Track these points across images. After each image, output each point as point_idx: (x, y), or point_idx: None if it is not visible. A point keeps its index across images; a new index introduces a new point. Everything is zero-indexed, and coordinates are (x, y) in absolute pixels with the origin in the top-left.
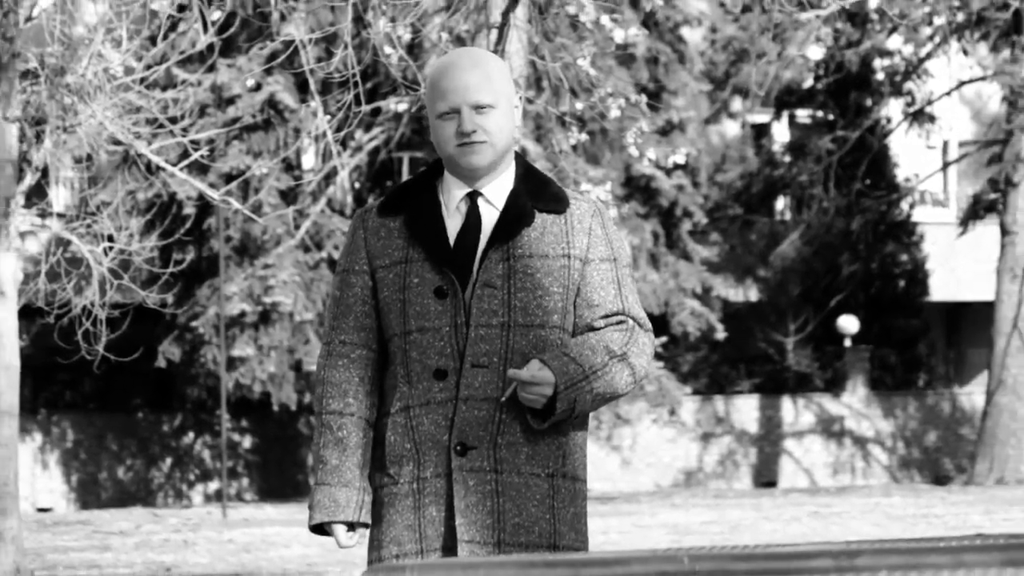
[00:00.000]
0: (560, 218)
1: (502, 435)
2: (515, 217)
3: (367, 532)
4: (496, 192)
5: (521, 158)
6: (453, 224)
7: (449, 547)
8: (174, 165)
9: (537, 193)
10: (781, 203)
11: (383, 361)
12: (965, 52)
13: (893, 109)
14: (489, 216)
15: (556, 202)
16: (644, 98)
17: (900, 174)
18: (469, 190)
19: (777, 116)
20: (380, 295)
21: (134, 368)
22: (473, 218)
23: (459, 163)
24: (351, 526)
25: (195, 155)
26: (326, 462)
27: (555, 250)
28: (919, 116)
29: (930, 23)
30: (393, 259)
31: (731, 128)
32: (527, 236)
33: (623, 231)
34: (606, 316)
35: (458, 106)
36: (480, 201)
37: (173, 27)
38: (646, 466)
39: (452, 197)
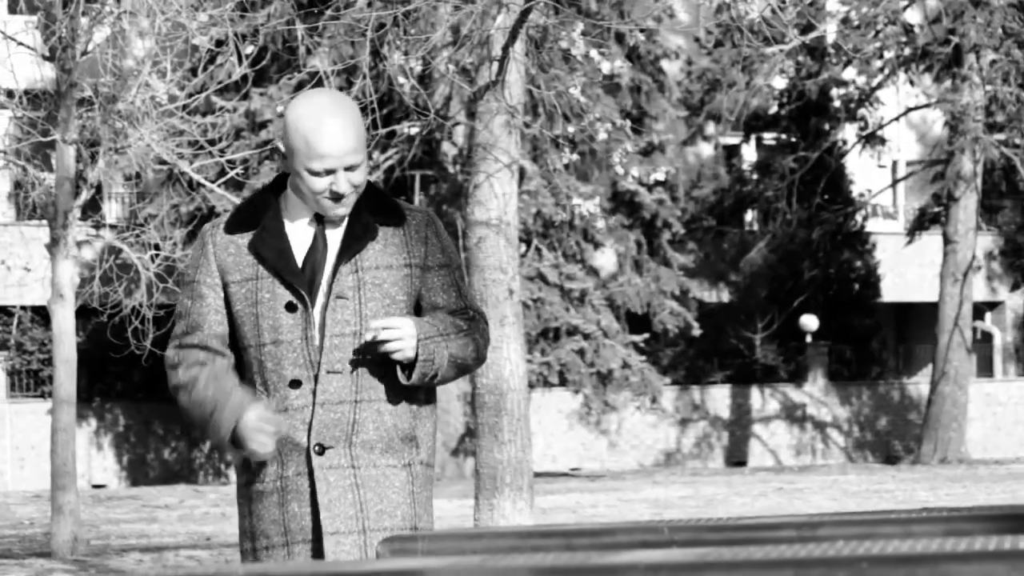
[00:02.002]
0: (399, 230)
1: (356, 434)
2: (360, 232)
3: (273, 418)
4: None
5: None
6: (301, 241)
7: (312, 539)
8: (213, 182)
9: (376, 208)
10: (750, 215)
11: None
12: (911, 82)
13: (848, 132)
14: (334, 233)
15: (394, 216)
16: (628, 123)
17: (854, 190)
18: (313, 214)
19: (746, 139)
20: (233, 308)
21: None
22: (321, 236)
23: (326, 214)
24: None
25: (231, 173)
26: (204, 400)
27: (398, 260)
28: (871, 139)
29: (881, 56)
30: (244, 275)
31: (705, 149)
32: (372, 249)
33: (609, 240)
34: (451, 312)
35: (334, 168)
36: (326, 222)
37: (212, 60)
38: (631, 448)
39: (297, 217)
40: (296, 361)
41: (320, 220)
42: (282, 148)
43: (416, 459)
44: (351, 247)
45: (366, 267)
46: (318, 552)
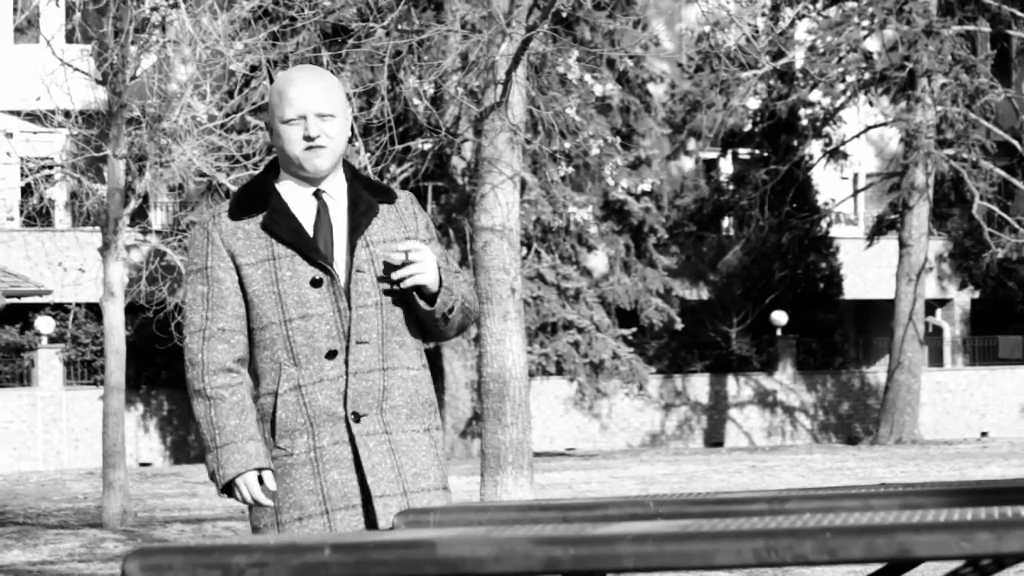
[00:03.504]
0: (392, 207)
1: (386, 401)
2: (365, 209)
3: (273, 484)
4: (335, 189)
5: (345, 161)
6: (305, 219)
7: (354, 505)
8: None
9: (369, 188)
10: (726, 222)
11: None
12: (871, 103)
13: (814, 148)
14: (335, 209)
15: (386, 193)
16: (618, 139)
17: (820, 199)
18: (313, 189)
19: (723, 153)
20: (249, 289)
21: None
22: (324, 213)
23: (304, 165)
24: (259, 480)
25: None
26: (223, 426)
27: (398, 234)
28: (834, 153)
29: (843, 80)
30: (259, 257)
31: (687, 163)
32: (376, 224)
33: (601, 244)
34: None
35: (304, 113)
36: (325, 197)
37: (247, 83)
38: (620, 430)
39: (297, 196)
40: (330, 333)
41: (319, 197)
42: (267, 123)
43: (433, 424)
44: (360, 223)
45: (374, 241)
46: (363, 517)
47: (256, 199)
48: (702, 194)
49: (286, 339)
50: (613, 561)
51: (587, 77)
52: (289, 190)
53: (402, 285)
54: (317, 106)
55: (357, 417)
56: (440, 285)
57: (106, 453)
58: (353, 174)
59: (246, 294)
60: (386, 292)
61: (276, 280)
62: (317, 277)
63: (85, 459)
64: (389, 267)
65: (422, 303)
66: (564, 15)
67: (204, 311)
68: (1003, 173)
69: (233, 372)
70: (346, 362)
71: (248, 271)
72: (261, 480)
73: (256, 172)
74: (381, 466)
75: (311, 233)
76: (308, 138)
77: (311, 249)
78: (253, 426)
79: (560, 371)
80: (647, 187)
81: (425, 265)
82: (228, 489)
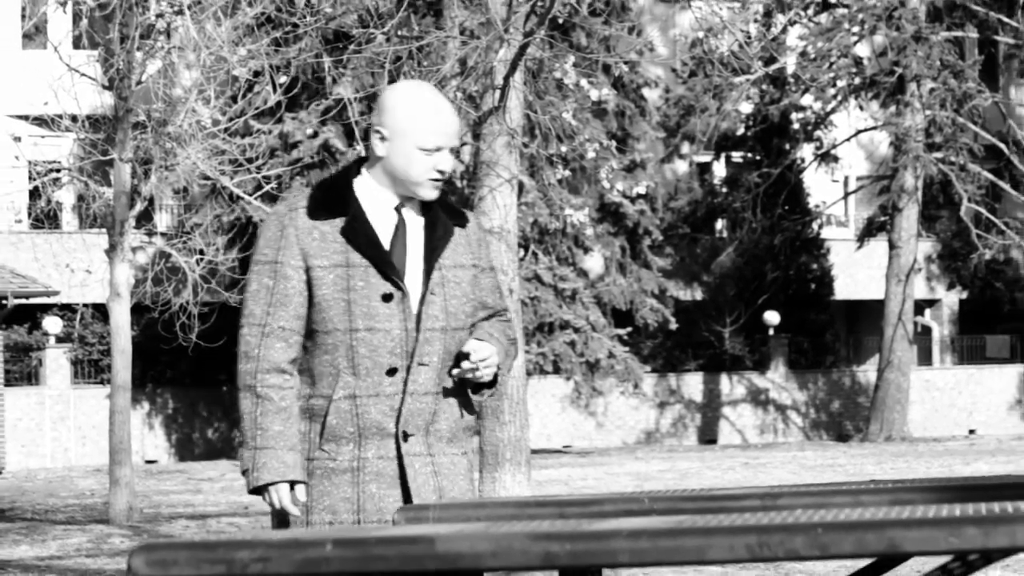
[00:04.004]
0: (463, 231)
1: (433, 424)
2: (442, 232)
3: (304, 496)
4: (416, 206)
5: None
6: (383, 232)
7: (386, 520)
8: (250, 195)
9: (445, 208)
10: (720, 224)
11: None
12: (861, 107)
13: (806, 151)
14: (412, 227)
15: (460, 217)
16: (613, 143)
17: (811, 202)
18: (397, 202)
19: (716, 157)
20: (316, 292)
21: (220, 352)
22: (403, 229)
23: (422, 192)
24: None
25: (267, 187)
26: (267, 428)
27: (466, 260)
28: (826, 157)
29: (834, 85)
30: (333, 261)
31: (681, 166)
32: (450, 248)
33: (596, 245)
34: (494, 313)
35: (444, 146)
36: (405, 213)
37: (250, 88)
38: (615, 427)
39: (378, 205)
40: (394, 350)
41: (399, 211)
42: (385, 132)
43: (470, 447)
44: (437, 246)
45: (447, 265)
46: None
47: (336, 201)
48: (696, 196)
49: (349, 348)
50: (608, 556)
51: (583, 82)
52: (370, 196)
53: (459, 375)
54: (455, 141)
55: (406, 436)
56: (496, 382)
57: (112, 450)
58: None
59: (313, 296)
60: (446, 353)
61: (347, 288)
62: (389, 292)
63: (92, 456)
64: (459, 355)
65: (471, 393)
66: (561, 21)
67: (267, 305)
68: (990, 176)
69: (286, 373)
70: (405, 381)
71: (319, 273)
72: (292, 489)
73: (332, 173)
74: (425, 487)
75: (387, 247)
76: (440, 172)
77: (387, 264)
78: (295, 436)
79: (557, 370)
80: (642, 190)
81: (488, 363)
82: (258, 490)
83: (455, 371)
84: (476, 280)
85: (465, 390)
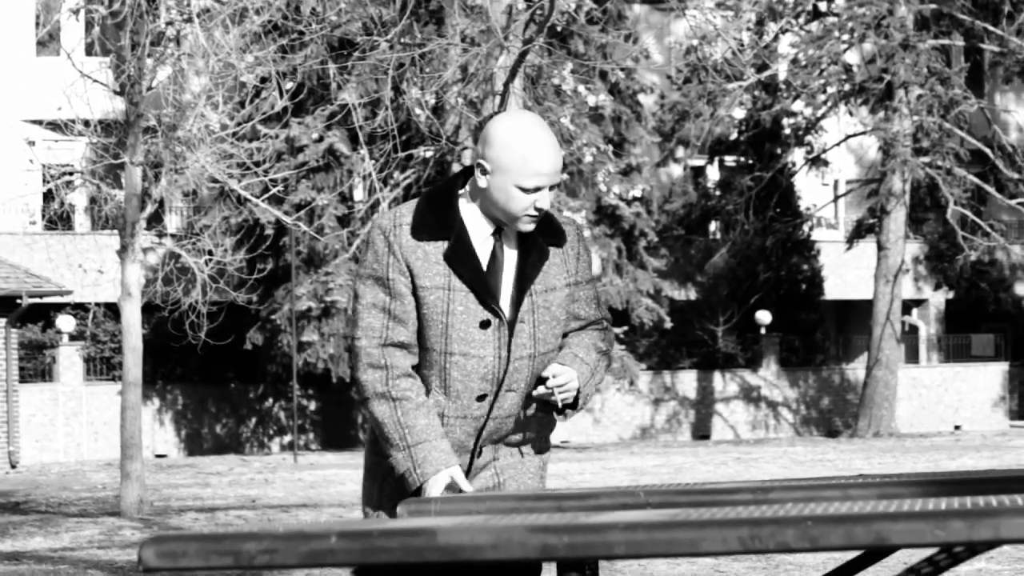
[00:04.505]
0: (561, 250)
1: (507, 437)
2: (536, 259)
3: (467, 486)
4: (513, 231)
5: None
6: (481, 255)
7: None
8: (258, 198)
9: (544, 230)
10: (713, 226)
11: None
12: (850, 113)
13: (797, 156)
14: (508, 251)
15: (558, 236)
16: (610, 147)
17: (802, 204)
18: (494, 228)
19: (710, 161)
20: (419, 310)
21: (228, 350)
22: (500, 255)
23: (517, 226)
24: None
25: (273, 190)
26: (414, 425)
27: (560, 281)
28: (816, 161)
29: (824, 91)
30: (435, 283)
31: (676, 170)
32: (543, 273)
33: (594, 247)
34: (587, 323)
35: (544, 186)
36: (502, 237)
37: (257, 94)
38: (612, 424)
39: (478, 228)
40: (485, 376)
41: (497, 236)
42: (487, 165)
43: (545, 447)
44: (530, 274)
45: (538, 291)
46: None
47: (439, 222)
48: (690, 199)
49: (442, 369)
50: (605, 548)
51: (581, 88)
52: (472, 219)
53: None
54: (556, 180)
55: (480, 451)
56: (577, 405)
57: (124, 445)
58: None
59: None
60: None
61: (447, 311)
62: (487, 319)
63: (104, 451)
64: (540, 378)
65: (555, 414)
66: (559, 29)
67: (385, 319)
68: (976, 180)
69: (413, 378)
70: (492, 405)
71: (422, 293)
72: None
73: (436, 187)
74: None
75: (486, 272)
76: (539, 210)
77: (488, 292)
78: (440, 427)
79: None
80: (638, 193)
81: (567, 388)
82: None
83: (535, 392)
84: (570, 297)
85: (545, 407)
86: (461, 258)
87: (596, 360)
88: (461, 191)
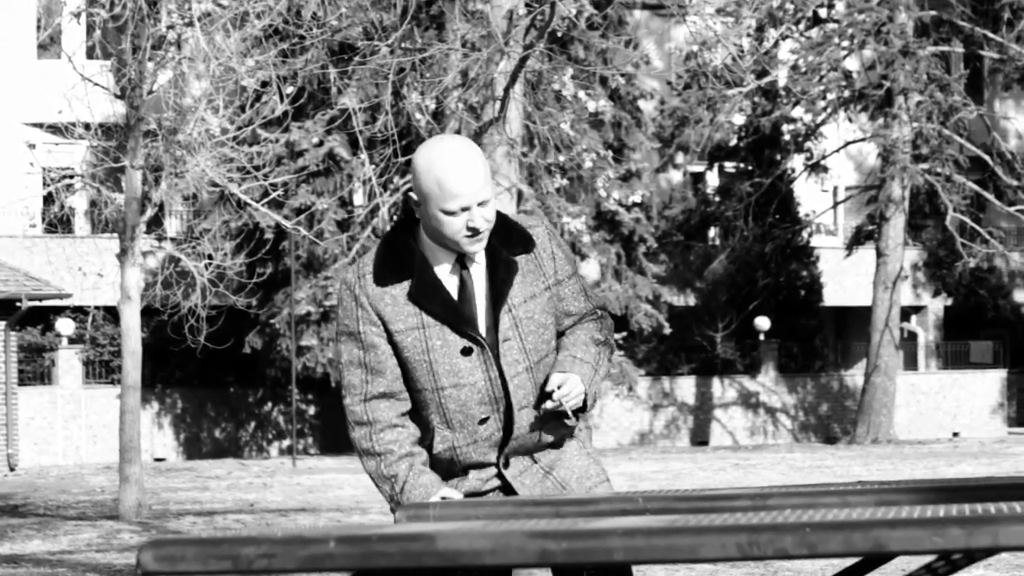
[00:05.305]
0: (530, 256)
1: (535, 450)
2: (504, 274)
3: (455, 495)
4: (478, 254)
5: None
6: (449, 286)
7: None
8: (258, 202)
9: (508, 241)
10: (712, 232)
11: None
12: (850, 119)
13: (796, 162)
14: (476, 274)
15: (524, 243)
16: (610, 153)
17: (801, 211)
18: (456, 256)
19: (710, 167)
20: (400, 355)
21: (227, 354)
22: (467, 281)
23: (464, 249)
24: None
25: (273, 194)
26: (396, 474)
27: (538, 287)
28: (815, 167)
29: (824, 98)
30: (408, 324)
31: (675, 176)
32: (516, 284)
33: (593, 252)
34: (580, 317)
35: (468, 205)
36: (468, 262)
37: (258, 98)
38: (611, 429)
39: (440, 261)
40: (482, 400)
41: (461, 262)
42: (414, 196)
43: (580, 428)
44: (502, 291)
45: (516, 304)
46: None
47: (400, 264)
48: (689, 205)
49: (439, 405)
50: (604, 554)
51: (581, 94)
52: (432, 253)
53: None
54: (480, 197)
55: (507, 462)
56: (586, 407)
57: (122, 448)
58: (496, 225)
59: (398, 358)
60: (536, 394)
61: (427, 349)
62: (468, 347)
63: (102, 454)
64: (543, 393)
65: (568, 422)
66: (559, 35)
67: (364, 374)
68: (975, 187)
69: (399, 427)
70: (505, 427)
71: (399, 337)
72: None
73: (393, 228)
74: (537, 489)
75: (456, 302)
76: (474, 229)
77: (461, 320)
78: (423, 464)
79: None
80: (637, 198)
81: (573, 395)
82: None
83: (544, 407)
84: (552, 299)
85: (558, 417)
86: (426, 294)
87: (596, 354)
88: (419, 228)
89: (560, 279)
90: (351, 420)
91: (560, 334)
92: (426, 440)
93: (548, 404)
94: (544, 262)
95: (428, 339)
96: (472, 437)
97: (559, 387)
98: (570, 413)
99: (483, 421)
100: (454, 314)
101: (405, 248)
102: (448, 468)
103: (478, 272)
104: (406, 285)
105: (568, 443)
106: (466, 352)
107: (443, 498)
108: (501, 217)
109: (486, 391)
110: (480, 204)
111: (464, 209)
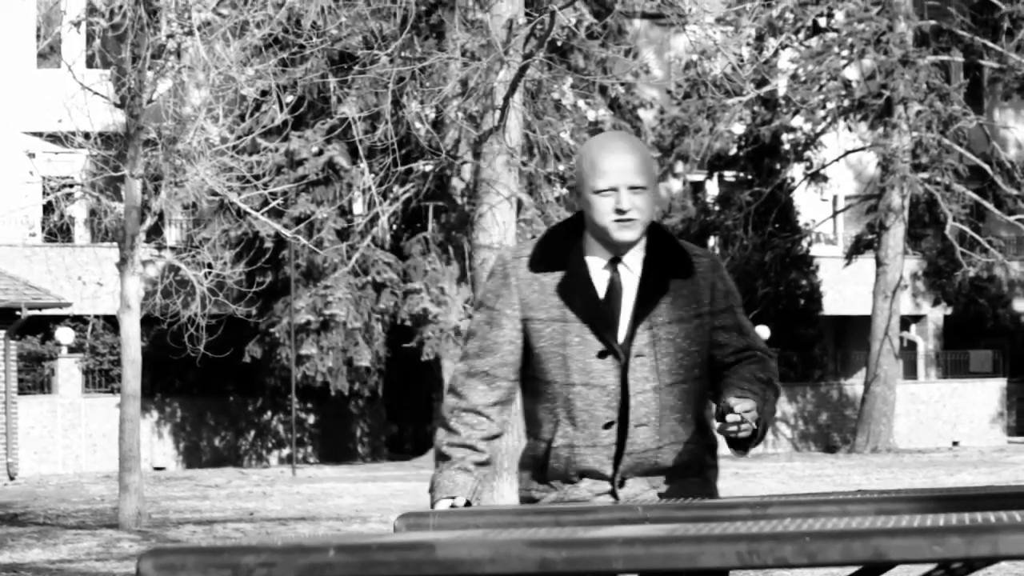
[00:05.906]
0: (688, 280)
1: (655, 465)
2: (653, 288)
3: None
4: (633, 261)
5: (655, 224)
6: (599, 287)
7: None
8: (257, 211)
9: (669, 260)
10: (712, 241)
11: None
12: (849, 129)
13: (796, 171)
14: (628, 281)
15: (683, 265)
16: None
17: (801, 220)
18: (611, 256)
19: (709, 176)
20: (535, 344)
21: (227, 363)
22: (616, 285)
23: (613, 236)
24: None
25: (273, 203)
26: (450, 455)
27: (687, 312)
28: (815, 176)
29: (824, 107)
30: (551, 315)
31: (675, 185)
32: (664, 303)
33: None
34: (735, 352)
35: (617, 185)
36: (620, 267)
37: (257, 107)
38: None
39: (595, 261)
40: (609, 404)
41: (614, 265)
42: (577, 187)
43: (708, 466)
44: (646, 306)
45: (659, 323)
46: None
47: (557, 254)
48: (689, 214)
49: (566, 400)
50: (603, 563)
51: (580, 103)
52: (591, 250)
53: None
54: (630, 179)
55: (623, 481)
56: (756, 438)
57: (122, 457)
58: (658, 239)
59: (532, 347)
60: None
61: (564, 343)
62: (604, 350)
63: (102, 463)
64: (721, 410)
65: (733, 452)
66: (559, 44)
67: (478, 348)
68: (975, 196)
69: (482, 415)
70: (621, 442)
71: (538, 326)
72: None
73: (561, 221)
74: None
75: (602, 304)
76: (620, 211)
77: (601, 324)
78: (474, 463)
79: None
80: None
81: (748, 417)
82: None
83: (718, 426)
84: (701, 330)
85: (708, 436)
86: (575, 288)
87: (763, 390)
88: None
89: (715, 311)
90: (450, 384)
91: (717, 369)
92: (547, 434)
93: (730, 418)
94: (701, 290)
95: (567, 334)
96: (593, 440)
97: (733, 409)
98: (742, 433)
99: (608, 426)
100: (596, 313)
101: (565, 240)
102: (564, 468)
103: (630, 279)
104: (558, 276)
105: (690, 477)
106: (602, 355)
107: (452, 505)
108: (669, 237)
109: (615, 395)
110: (631, 189)
111: (613, 189)
